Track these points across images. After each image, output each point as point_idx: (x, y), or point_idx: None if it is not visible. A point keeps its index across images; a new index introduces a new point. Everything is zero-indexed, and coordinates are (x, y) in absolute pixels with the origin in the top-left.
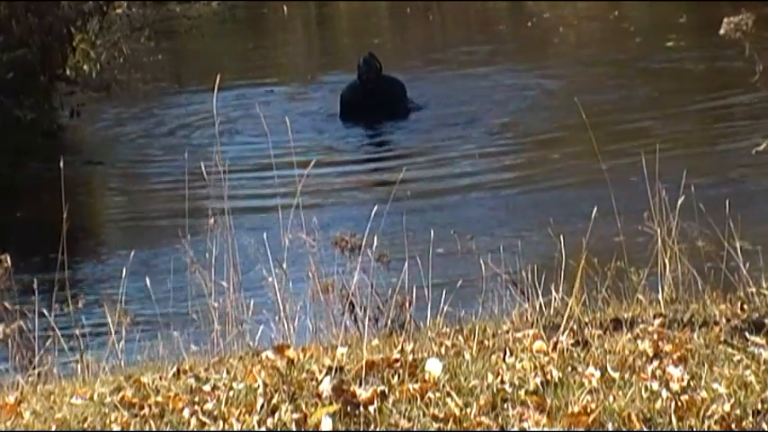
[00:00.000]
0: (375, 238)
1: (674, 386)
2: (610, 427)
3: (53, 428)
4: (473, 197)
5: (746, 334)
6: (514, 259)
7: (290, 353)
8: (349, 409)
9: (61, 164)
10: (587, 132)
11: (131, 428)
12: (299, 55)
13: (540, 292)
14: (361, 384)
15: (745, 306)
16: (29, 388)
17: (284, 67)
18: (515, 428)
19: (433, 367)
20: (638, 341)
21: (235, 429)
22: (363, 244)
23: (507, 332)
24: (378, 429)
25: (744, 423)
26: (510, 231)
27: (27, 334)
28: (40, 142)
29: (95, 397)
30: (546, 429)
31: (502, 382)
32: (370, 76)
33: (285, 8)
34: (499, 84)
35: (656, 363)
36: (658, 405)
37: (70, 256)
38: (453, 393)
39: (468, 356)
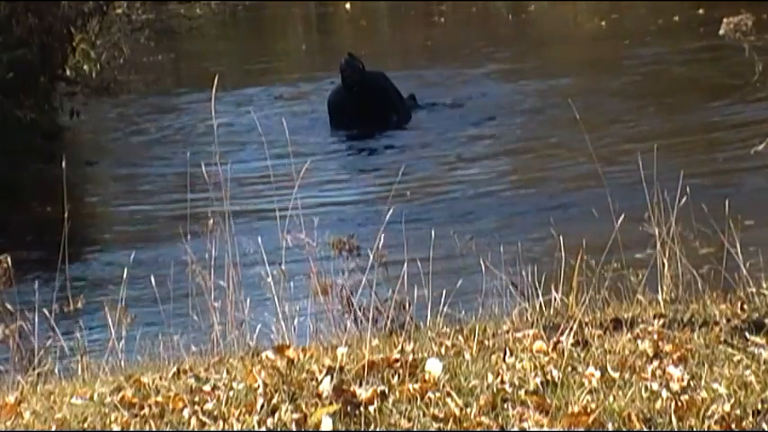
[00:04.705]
0: (374, 238)
1: (674, 386)
2: (610, 427)
3: (53, 428)
4: (473, 197)
5: (746, 334)
6: (514, 259)
7: (290, 353)
8: (349, 409)
9: (63, 164)
10: (586, 133)
11: (131, 428)
12: (306, 55)
13: (540, 292)
14: (361, 384)
15: (745, 306)
16: (29, 388)
17: (288, 69)
18: (515, 428)
19: (433, 367)
20: (638, 341)
21: (235, 429)
22: (361, 245)
23: (507, 332)
24: (378, 429)
25: (744, 423)
26: (510, 231)
27: (27, 334)
28: (40, 142)
29: (95, 397)
30: (546, 429)
31: (502, 382)
32: (354, 77)
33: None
34: (505, 84)
35: (656, 363)
36: (658, 405)
37: (70, 256)
38: (453, 393)
39: (468, 356)
